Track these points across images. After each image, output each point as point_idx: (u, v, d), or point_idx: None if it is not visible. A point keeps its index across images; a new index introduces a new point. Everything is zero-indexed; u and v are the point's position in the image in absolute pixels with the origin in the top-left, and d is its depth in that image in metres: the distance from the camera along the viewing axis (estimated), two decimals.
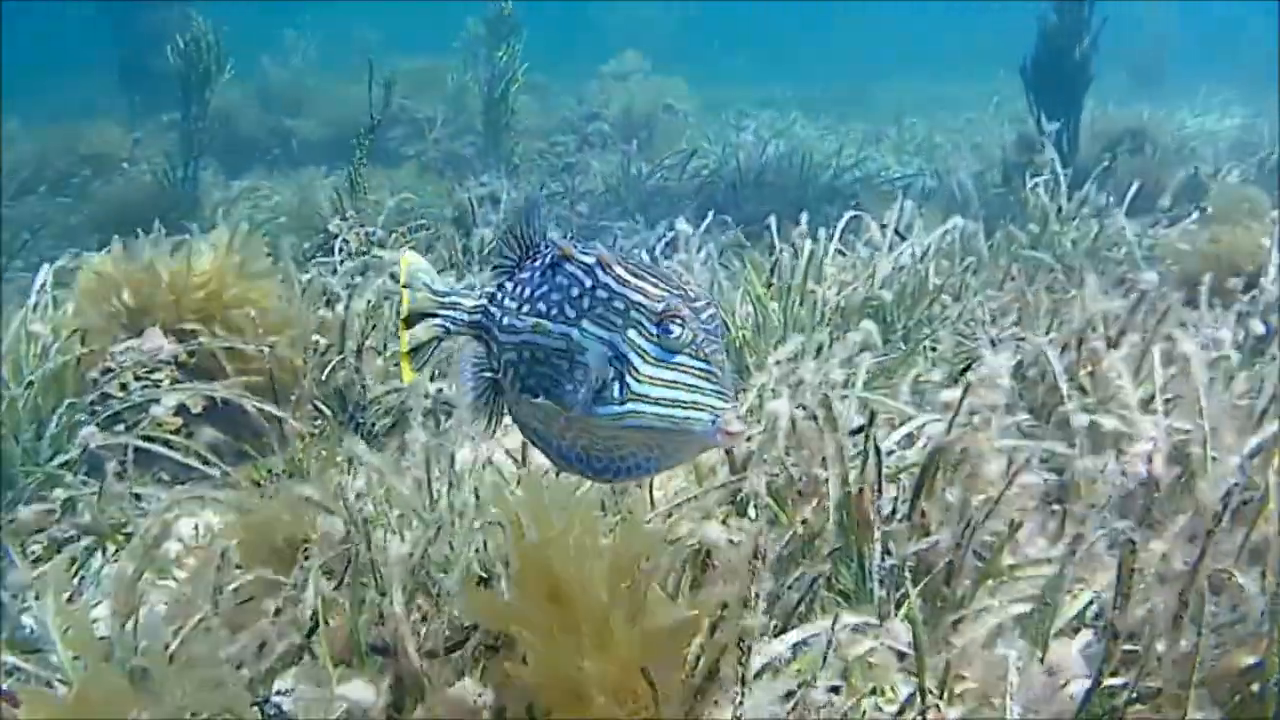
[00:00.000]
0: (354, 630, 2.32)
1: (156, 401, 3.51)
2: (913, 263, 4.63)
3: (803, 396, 2.95)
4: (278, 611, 2.34)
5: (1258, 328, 4.08)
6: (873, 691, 2.16)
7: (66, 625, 2.41)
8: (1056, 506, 2.84)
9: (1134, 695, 1.97)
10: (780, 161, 8.60)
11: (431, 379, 3.69)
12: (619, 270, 1.77)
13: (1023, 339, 4.03)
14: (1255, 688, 2.03)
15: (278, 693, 2.38)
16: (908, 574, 2.19)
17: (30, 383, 3.65)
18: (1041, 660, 2.09)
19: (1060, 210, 6.55)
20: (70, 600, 3.09)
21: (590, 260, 1.79)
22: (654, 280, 1.75)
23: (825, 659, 1.97)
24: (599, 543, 1.99)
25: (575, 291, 1.80)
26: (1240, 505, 2.20)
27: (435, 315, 2.04)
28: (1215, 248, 5.24)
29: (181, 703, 1.88)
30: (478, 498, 2.88)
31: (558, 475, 2.36)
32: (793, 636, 2.09)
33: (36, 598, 2.84)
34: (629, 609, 1.93)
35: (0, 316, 4.37)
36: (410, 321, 2.06)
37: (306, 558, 2.42)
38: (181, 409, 3.81)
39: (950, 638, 2.05)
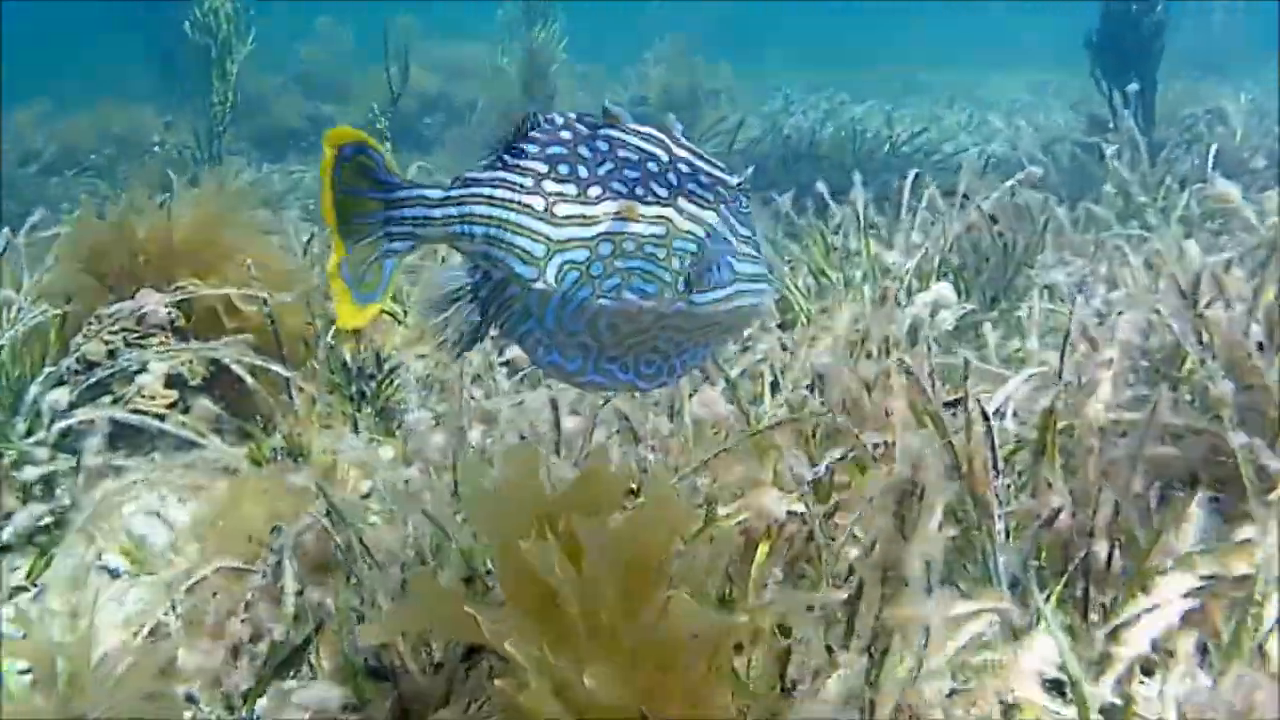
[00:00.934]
0: (345, 647, 1.90)
1: (144, 369, 3.12)
2: (986, 223, 4.12)
3: (876, 358, 2.49)
4: (248, 606, 1.93)
5: None
6: None
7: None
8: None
9: None
10: (833, 136, 8.09)
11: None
12: (683, 141, 1.50)
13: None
14: None
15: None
16: (1042, 567, 1.71)
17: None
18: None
19: (1144, 179, 6.00)
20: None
21: (651, 130, 1.49)
22: (699, 151, 1.54)
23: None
24: (605, 526, 1.53)
25: (654, 166, 1.48)
26: None
27: (378, 218, 1.53)
28: None
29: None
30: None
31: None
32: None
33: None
34: (646, 617, 1.48)
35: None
36: (347, 229, 1.54)
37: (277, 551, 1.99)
38: (178, 380, 3.44)
39: (1112, 652, 1.57)
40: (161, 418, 3.32)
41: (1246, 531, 1.77)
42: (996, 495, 1.84)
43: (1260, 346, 2.48)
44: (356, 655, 1.86)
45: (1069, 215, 5.30)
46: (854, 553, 1.89)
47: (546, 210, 1.47)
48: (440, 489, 2.19)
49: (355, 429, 3.29)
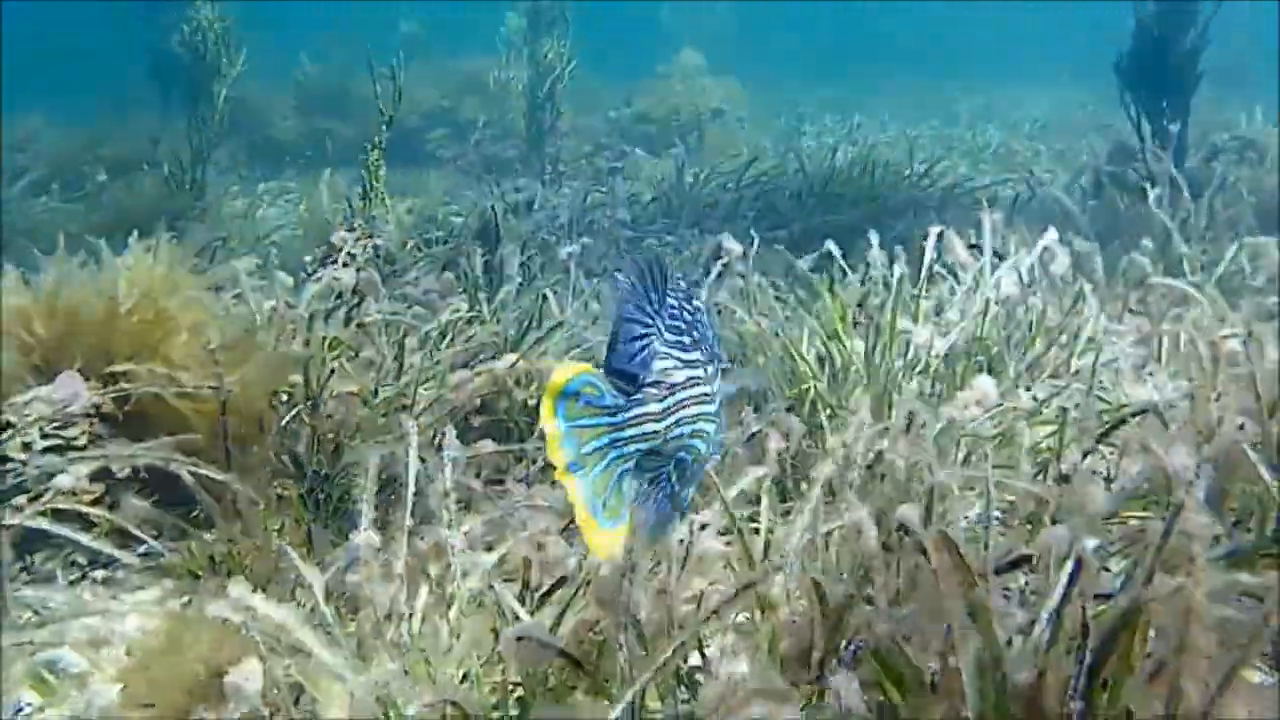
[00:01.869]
0: None
1: (63, 470, 2.72)
2: (1020, 290, 3.68)
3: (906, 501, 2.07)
4: None
5: None
6: None
7: None
8: None
9: None
10: (850, 169, 7.63)
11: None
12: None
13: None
14: None
15: None
16: None
17: None
18: None
19: (1183, 225, 5.57)
20: None
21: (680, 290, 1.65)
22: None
23: None
24: None
25: (698, 334, 1.67)
26: None
27: (604, 443, 1.57)
28: None
29: None
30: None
31: None
32: None
33: None
34: None
35: None
36: (580, 462, 1.57)
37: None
38: (104, 471, 3.04)
39: None
40: (86, 515, 2.93)
41: None
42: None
43: None
44: None
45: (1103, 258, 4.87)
46: None
47: (713, 394, 1.64)
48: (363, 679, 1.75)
49: (309, 540, 2.88)
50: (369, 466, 2.25)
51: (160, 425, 3.13)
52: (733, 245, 3.86)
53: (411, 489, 2.23)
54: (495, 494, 3.37)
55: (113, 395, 3.03)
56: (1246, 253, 4.99)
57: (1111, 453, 3.06)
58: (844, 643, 1.74)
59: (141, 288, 3.19)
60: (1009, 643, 1.66)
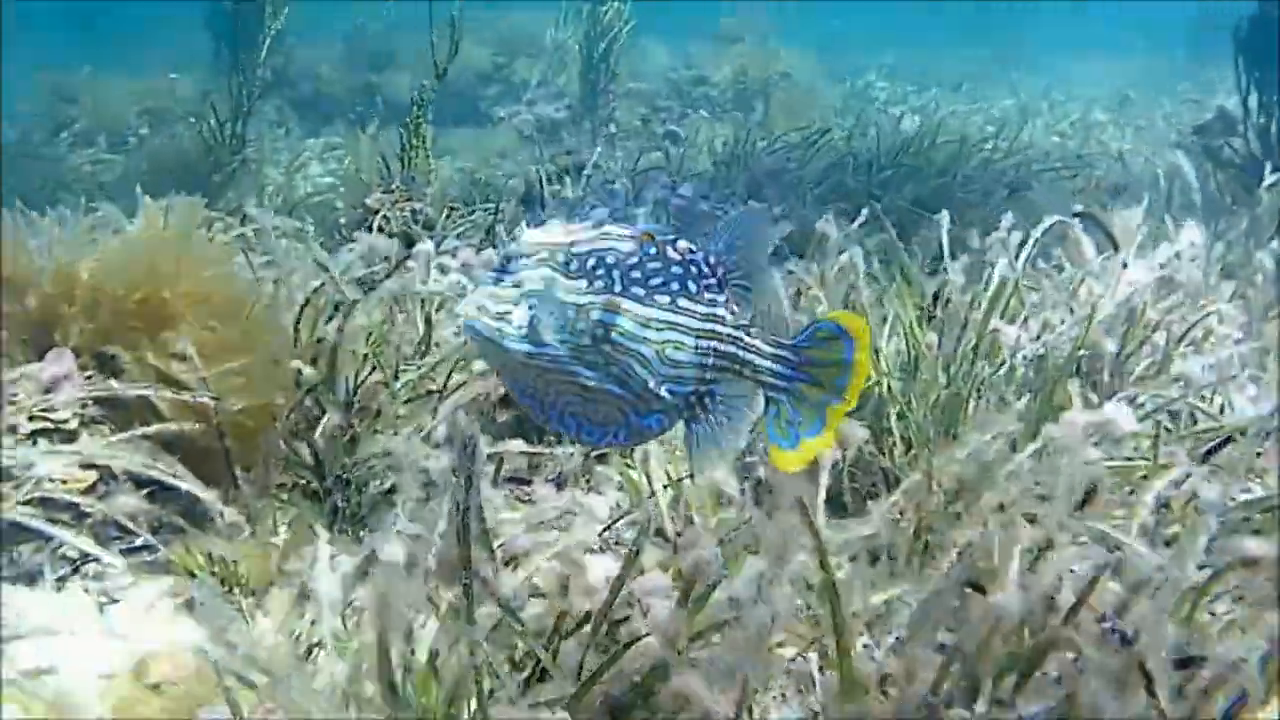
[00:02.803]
0: None
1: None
2: (1147, 295, 3.20)
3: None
4: None
5: None
6: None
7: None
8: None
9: None
10: (922, 140, 7.09)
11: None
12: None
13: None
14: None
15: None
16: None
17: None
18: None
19: None
20: None
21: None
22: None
23: None
24: None
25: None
26: None
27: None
28: None
29: None
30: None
31: None
32: None
33: None
34: None
35: None
36: None
37: None
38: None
39: None
40: (77, 506, 2.64)
41: None
42: None
43: None
44: None
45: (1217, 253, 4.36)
46: None
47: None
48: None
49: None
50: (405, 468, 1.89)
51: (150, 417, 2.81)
52: (829, 229, 3.44)
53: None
54: (522, 496, 3.04)
55: (110, 358, 2.72)
56: None
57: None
58: None
59: (145, 260, 2.86)
60: None
